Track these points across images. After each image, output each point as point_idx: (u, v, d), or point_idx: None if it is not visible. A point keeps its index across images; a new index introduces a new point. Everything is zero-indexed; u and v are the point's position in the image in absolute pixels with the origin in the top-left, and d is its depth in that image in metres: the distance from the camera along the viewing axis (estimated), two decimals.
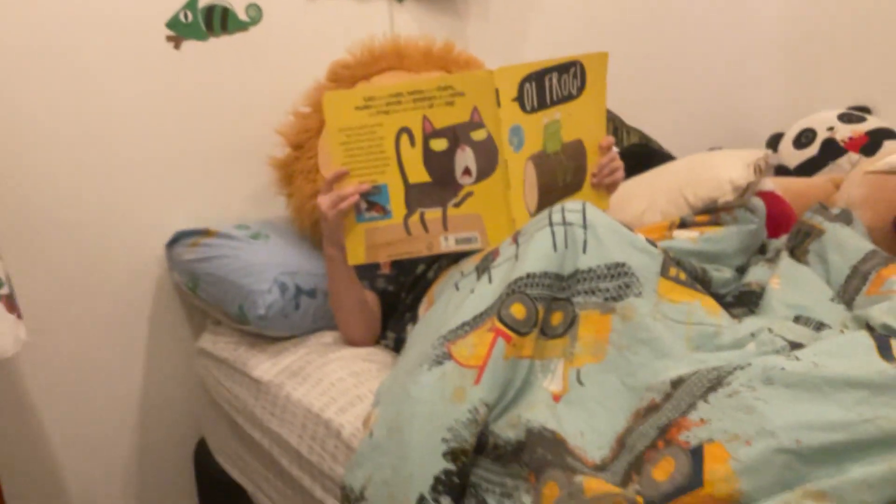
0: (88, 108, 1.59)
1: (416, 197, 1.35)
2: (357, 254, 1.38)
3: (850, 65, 2.43)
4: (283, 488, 1.43)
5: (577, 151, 1.46)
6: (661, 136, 2.25)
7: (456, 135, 1.32)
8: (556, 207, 1.22)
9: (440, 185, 1.34)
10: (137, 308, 1.71)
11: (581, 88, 1.43)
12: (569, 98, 1.42)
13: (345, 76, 1.60)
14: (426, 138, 1.33)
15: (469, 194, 1.35)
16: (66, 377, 1.64)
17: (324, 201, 1.35)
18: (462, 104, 1.31)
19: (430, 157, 1.33)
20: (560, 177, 1.43)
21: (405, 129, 1.33)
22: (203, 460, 1.76)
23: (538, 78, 1.35)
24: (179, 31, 1.68)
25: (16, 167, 1.53)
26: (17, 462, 1.59)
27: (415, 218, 1.36)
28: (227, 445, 1.64)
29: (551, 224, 1.19)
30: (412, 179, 1.34)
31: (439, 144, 1.33)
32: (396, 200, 1.36)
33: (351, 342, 1.50)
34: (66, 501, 1.68)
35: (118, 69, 1.61)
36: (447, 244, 1.38)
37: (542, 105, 1.38)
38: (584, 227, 1.19)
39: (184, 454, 1.81)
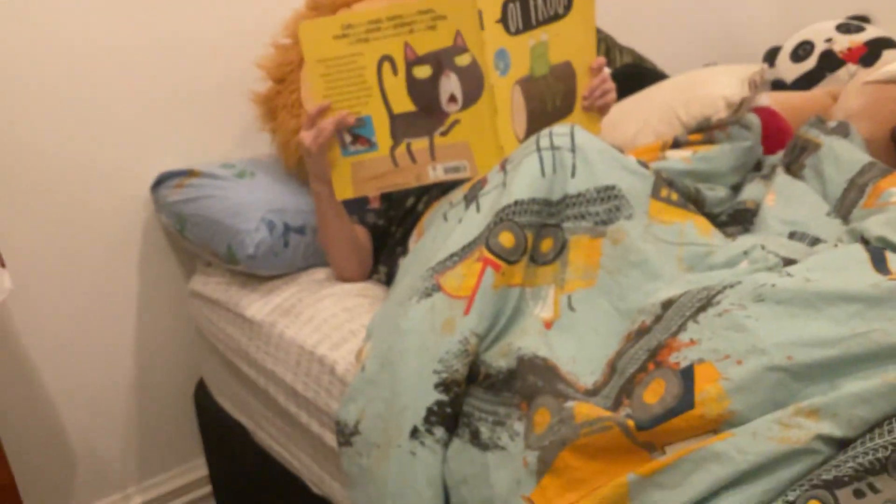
0: (62, 50, 1.54)
1: (402, 127, 1.32)
2: (344, 188, 1.36)
3: None
4: (282, 425, 1.44)
5: (566, 74, 1.41)
6: (655, 55, 2.19)
7: (440, 61, 1.28)
8: (544, 132, 1.19)
9: (425, 113, 1.31)
10: (126, 253, 1.69)
11: (568, 7, 1.37)
12: (555, 17, 1.36)
13: (325, 4, 1.54)
14: (409, 66, 1.28)
15: (455, 122, 1.32)
16: (59, 327, 1.62)
17: (306, 137, 1.31)
18: (444, 28, 1.26)
19: (413, 86, 1.29)
20: (549, 101, 1.39)
21: (387, 58, 1.28)
22: (203, 401, 1.76)
23: None
24: None
25: None
26: (16, 417, 1.59)
27: (401, 149, 1.33)
28: (226, 385, 1.64)
29: (539, 149, 1.16)
30: (396, 109, 1.31)
31: (423, 72, 1.29)
32: (381, 132, 1.32)
33: (343, 278, 1.48)
34: (69, 452, 1.69)
35: (91, 7, 1.55)
36: (435, 174, 1.35)
37: (527, 26, 1.33)
38: (573, 150, 1.16)
39: (184, 396, 1.82)
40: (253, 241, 1.46)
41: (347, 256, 1.47)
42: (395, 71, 1.29)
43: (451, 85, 1.29)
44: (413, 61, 1.28)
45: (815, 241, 1.16)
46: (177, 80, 1.67)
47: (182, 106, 1.69)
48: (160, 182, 1.63)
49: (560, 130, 1.18)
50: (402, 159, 1.33)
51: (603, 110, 1.47)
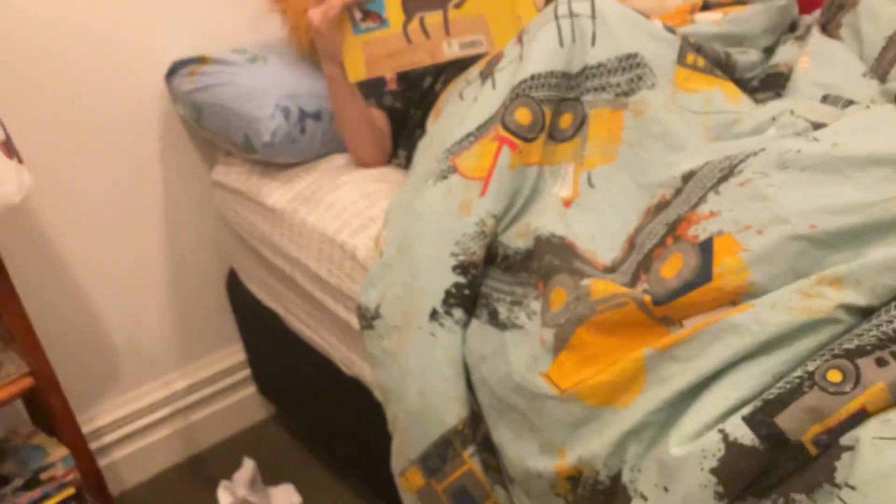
0: None
1: (414, 1, 1.25)
2: (357, 69, 1.31)
3: None
4: (310, 309, 1.46)
5: None
6: None
7: None
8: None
9: None
10: (147, 145, 1.68)
11: None
12: None
13: None
14: None
15: None
16: (87, 223, 1.64)
17: (314, 14, 1.26)
18: None
19: None
20: None
21: None
22: (235, 288, 1.80)
23: None
24: None
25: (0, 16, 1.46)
26: (52, 312, 1.63)
27: (414, 24, 1.27)
28: (255, 273, 1.66)
29: (556, 17, 1.10)
30: None
31: None
32: (393, 7, 1.26)
33: (362, 163, 1.46)
34: (107, 342, 1.74)
35: None
36: (451, 50, 1.30)
37: None
38: (593, 17, 1.10)
39: (216, 284, 1.85)
40: (269, 129, 1.44)
41: (365, 141, 1.44)
42: None
43: None
44: None
45: (848, 104, 1.10)
46: None
47: None
48: (173, 71, 1.60)
49: None
50: (416, 35, 1.28)
51: None
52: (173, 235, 1.76)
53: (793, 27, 1.45)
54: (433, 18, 1.27)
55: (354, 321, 1.29)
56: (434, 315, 1.00)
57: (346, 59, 1.30)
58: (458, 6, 1.26)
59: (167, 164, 1.71)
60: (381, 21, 1.27)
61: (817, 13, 1.41)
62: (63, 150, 1.58)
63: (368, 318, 1.09)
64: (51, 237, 1.61)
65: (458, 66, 1.41)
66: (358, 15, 1.26)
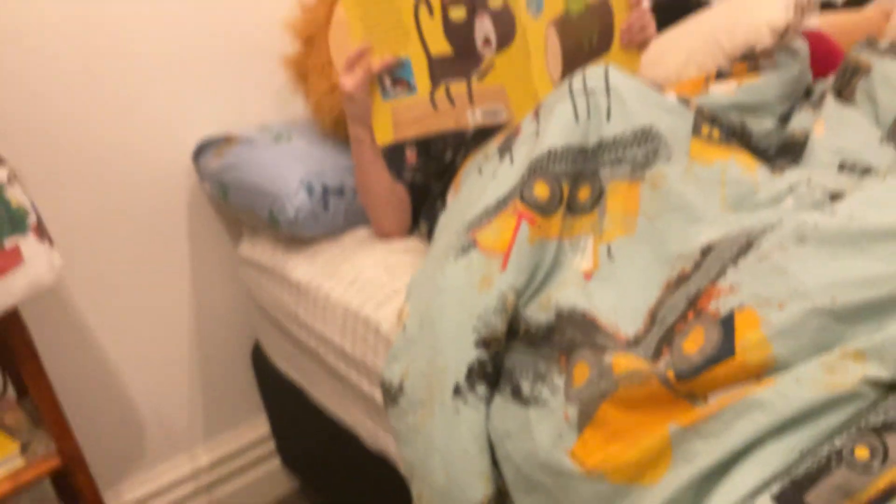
0: (96, 25, 1.55)
1: (440, 70, 1.30)
2: (385, 132, 1.34)
3: None
4: (335, 383, 1.46)
5: (603, 9, 1.36)
6: None
7: (474, 3, 1.26)
8: (577, 74, 1.15)
9: (462, 56, 1.29)
10: (174, 222, 1.72)
11: None
12: None
13: None
14: (444, 7, 1.27)
15: (491, 66, 1.30)
16: (115, 299, 1.67)
17: (347, 81, 1.29)
18: None
19: (449, 28, 1.28)
20: (586, 40, 1.35)
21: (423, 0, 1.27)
22: (260, 362, 1.81)
23: None
24: None
25: (30, 92, 1.51)
26: (80, 388, 1.65)
27: (440, 92, 1.32)
28: (280, 347, 1.67)
29: (572, 93, 1.13)
30: (434, 52, 1.29)
31: (458, 13, 1.27)
32: (420, 75, 1.31)
33: (382, 233, 1.48)
34: (134, 418, 1.75)
35: None
36: (474, 118, 1.34)
37: None
38: (608, 92, 1.12)
39: (242, 358, 1.87)
40: (293, 206, 1.47)
41: (385, 209, 1.46)
42: (431, 12, 1.27)
43: (485, 27, 1.27)
44: (448, 2, 1.26)
45: (866, 170, 1.10)
46: (209, 44, 1.67)
47: (218, 71, 1.69)
48: (200, 150, 1.65)
49: (593, 72, 1.14)
50: (442, 103, 1.32)
51: (642, 46, 1.42)
52: (199, 310, 1.79)
53: (807, 93, 1.47)
54: (458, 87, 1.31)
55: (378, 395, 1.29)
56: (457, 391, 1.00)
57: (376, 123, 1.34)
58: (480, 78, 1.30)
59: (194, 241, 1.75)
60: (410, 88, 1.31)
61: (831, 79, 1.43)
62: (91, 227, 1.62)
63: (392, 394, 1.09)
64: (78, 314, 1.64)
65: (477, 141, 1.44)
66: (388, 81, 1.31)
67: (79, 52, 1.54)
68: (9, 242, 1.15)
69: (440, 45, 1.28)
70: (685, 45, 1.60)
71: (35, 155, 1.52)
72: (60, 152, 1.55)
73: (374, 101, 1.31)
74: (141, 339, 1.72)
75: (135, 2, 1.58)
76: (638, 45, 1.41)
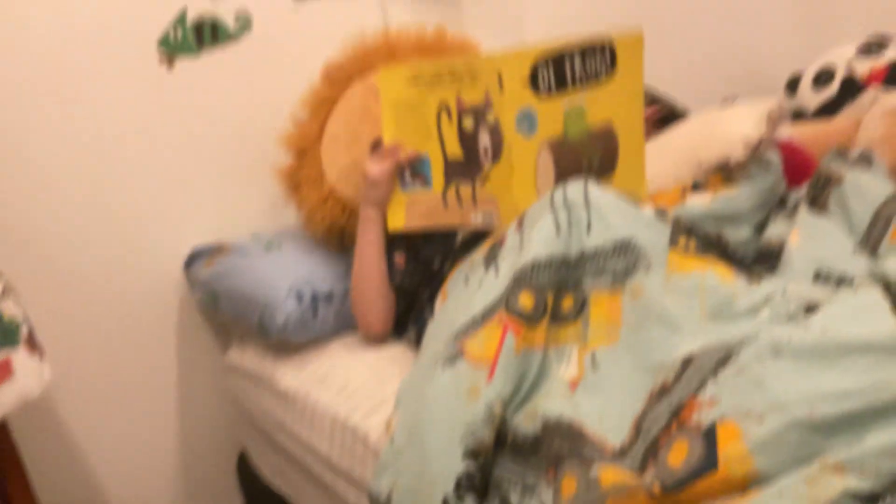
0: (91, 139, 1.61)
1: (452, 171, 1.40)
2: (398, 219, 1.44)
3: None
4: (322, 495, 1.44)
5: (605, 135, 1.41)
6: (676, 87, 2.18)
7: (478, 115, 1.34)
8: (558, 189, 1.20)
9: (471, 162, 1.37)
10: (164, 330, 1.73)
11: (611, 70, 1.38)
12: (596, 77, 1.36)
13: (339, 77, 1.59)
14: (459, 116, 1.36)
15: (488, 175, 1.37)
16: (101, 406, 1.67)
17: (374, 168, 1.40)
18: (479, 85, 1.33)
19: (462, 135, 1.37)
20: (586, 162, 1.39)
21: (444, 106, 1.37)
22: (246, 472, 1.78)
23: (556, 61, 1.32)
24: (170, 49, 1.67)
25: (24, 204, 1.55)
26: (63, 495, 1.63)
27: (451, 191, 1.40)
28: (266, 456, 1.66)
29: (553, 206, 1.17)
30: (450, 154, 1.39)
31: (468, 123, 1.36)
32: (437, 173, 1.40)
33: (369, 329, 1.49)
34: None
35: (113, 93, 1.61)
36: (476, 220, 1.41)
37: (561, 87, 1.34)
38: (587, 206, 1.16)
39: (227, 467, 1.84)
40: (283, 312, 1.49)
41: (377, 301, 1.48)
42: (450, 118, 1.37)
43: (485, 139, 1.34)
44: (463, 112, 1.36)
45: (841, 279, 1.14)
46: (202, 157, 1.73)
47: (210, 182, 1.74)
48: (192, 259, 1.67)
49: (573, 186, 1.19)
50: (451, 201, 1.40)
51: None
52: (185, 417, 1.78)
53: (782, 202, 1.52)
54: (465, 190, 1.39)
55: None
56: (446, 503, 0.99)
57: (390, 210, 1.44)
58: (482, 184, 1.38)
59: (182, 348, 1.76)
60: (426, 183, 1.41)
61: (805, 188, 1.48)
62: (82, 335, 1.63)
63: None
64: (63, 422, 1.63)
65: (464, 249, 1.47)
66: (408, 174, 1.41)
67: (73, 168, 1.60)
68: (0, 355, 1.16)
69: (454, 149, 1.38)
70: (663, 157, 1.66)
71: (29, 266, 1.55)
72: (54, 263, 1.58)
73: (394, 194, 1.42)
74: (126, 448, 1.70)
75: (128, 118, 1.64)
76: None
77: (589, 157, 1.39)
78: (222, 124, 1.74)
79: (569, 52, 1.33)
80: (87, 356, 1.64)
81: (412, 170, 1.41)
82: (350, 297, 1.51)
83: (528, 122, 1.33)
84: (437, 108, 1.37)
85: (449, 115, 1.37)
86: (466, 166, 1.37)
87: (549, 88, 1.33)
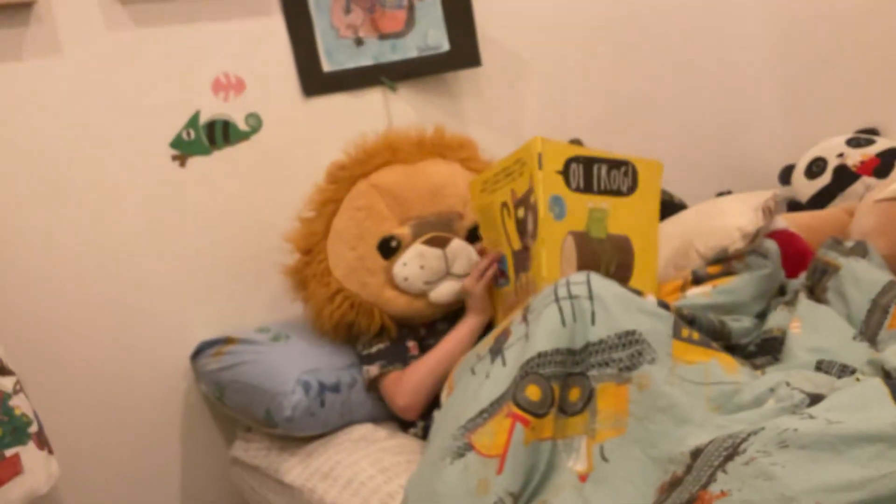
0: (101, 234, 1.64)
1: (517, 262, 1.47)
2: (497, 318, 1.51)
3: (852, 88, 2.42)
4: None
5: (623, 246, 1.49)
6: (670, 184, 2.24)
7: (526, 202, 1.41)
8: (562, 281, 1.23)
9: (526, 250, 1.43)
10: (168, 424, 1.73)
11: (632, 189, 1.50)
12: (618, 193, 1.48)
13: (343, 177, 1.63)
14: (514, 208, 1.44)
15: (531, 255, 1.43)
16: (106, 500, 1.65)
17: (475, 285, 1.51)
18: (525, 174, 1.41)
19: (518, 225, 1.44)
20: (603, 265, 1.45)
21: (504, 203, 1.47)
22: None
23: (586, 163, 1.44)
24: (183, 149, 1.73)
25: (35, 299, 1.57)
26: None
27: (521, 281, 1.46)
28: None
29: (557, 299, 1.19)
30: (514, 247, 1.46)
31: (521, 212, 1.43)
32: (510, 267, 1.48)
33: (408, 407, 1.51)
34: None
35: (127, 192, 1.66)
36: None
37: (588, 189, 1.44)
38: (591, 298, 1.19)
39: None
40: (290, 404, 1.49)
41: (430, 392, 1.49)
42: (509, 214, 1.46)
43: (531, 222, 1.41)
44: (515, 204, 1.44)
45: (843, 368, 1.16)
46: (212, 253, 1.76)
47: (218, 276, 1.77)
48: (199, 351, 1.69)
49: (576, 279, 1.22)
50: (520, 293, 1.46)
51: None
52: None
53: (782, 290, 1.55)
54: (524, 277, 1.45)
55: None
56: None
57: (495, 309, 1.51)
58: (526, 273, 1.44)
59: (186, 441, 1.75)
60: (506, 278, 1.50)
61: (803, 277, 1.51)
62: (86, 434, 1.62)
63: None
64: None
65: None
66: (498, 272, 1.49)
67: (83, 262, 1.62)
68: (10, 452, 1.16)
69: (515, 241, 1.46)
70: (662, 248, 1.70)
71: (36, 361, 1.56)
72: (61, 358, 1.60)
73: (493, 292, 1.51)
74: None
75: (139, 213, 1.68)
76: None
77: (607, 260, 1.46)
78: (232, 220, 1.78)
79: (598, 159, 1.45)
80: (93, 450, 1.63)
81: (499, 269, 1.50)
82: (422, 377, 1.51)
83: (558, 207, 1.40)
84: (500, 206, 1.47)
85: (508, 210, 1.46)
86: (524, 254, 1.44)
87: (578, 185, 1.42)
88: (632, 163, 1.49)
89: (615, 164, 1.47)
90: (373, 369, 1.54)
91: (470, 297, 1.53)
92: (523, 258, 1.44)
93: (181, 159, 1.73)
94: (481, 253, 1.57)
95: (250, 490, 1.61)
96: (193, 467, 1.75)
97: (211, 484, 1.77)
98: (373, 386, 1.56)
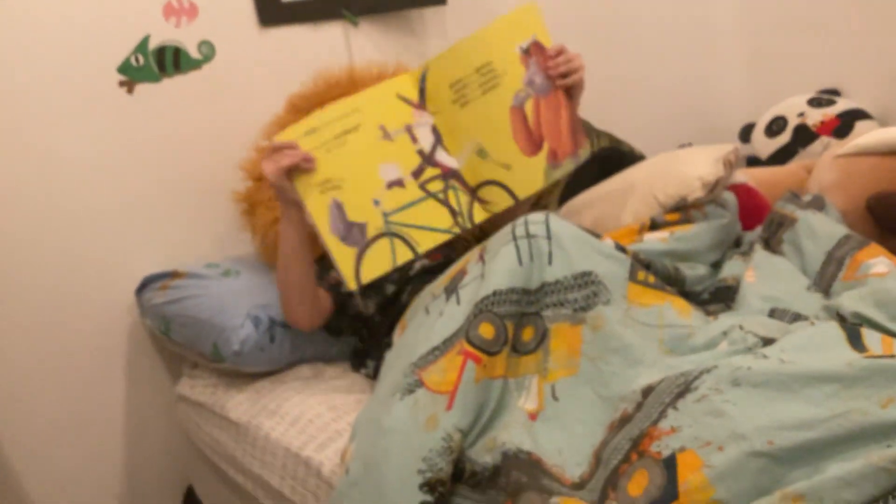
0: (45, 160, 1.56)
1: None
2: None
3: (815, 48, 2.41)
4: None
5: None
6: (632, 137, 2.23)
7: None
8: (519, 220, 1.20)
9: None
10: (112, 359, 1.68)
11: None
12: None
13: (303, 107, 1.59)
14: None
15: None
16: (46, 438, 1.60)
17: (267, 167, 1.29)
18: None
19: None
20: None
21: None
22: None
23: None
24: (131, 75, 1.65)
25: None
26: None
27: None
28: (215, 491, 1.61)
29: (515, 238, 1.17)
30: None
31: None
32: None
33: (293, 321, 1.44)
34: None
35: (72, 118, 1.58)
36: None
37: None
38: (549, 237, 1.17)
39: (173, 502, 1.78)
40: (238, 338, 1.46)
41: (301, 300, 1.41)
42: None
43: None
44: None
45: (795, 317, 1.15)
46: (159, 184, 1.69)
47: (166, 209, 1.71)
48: (144, 285, 1.63)
49: (535, 218, 1.19)
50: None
51: (573, 91, 1.42)
52: (131, 451, 1.72)
53: (737, 243, 1.55)
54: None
55: None
56: None
57: (340, 269, 1.32)
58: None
59: (130, 378, 1.70)
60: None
61: (759, 230, 1.51)
62: (26, 362, 1.57)
63: None
64: (2, 447, 1.56)
65: (421, 278, 1.47)
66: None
67: (23, 187, 1.55)
68: None
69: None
70: (621, 195, 1.69)
71: None
72: (1, 286, 1.53)
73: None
74: (69, 480, 1.63)
75: (84, 140, 1.60)
76: (567, 89, 1.41)
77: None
78: (180, 151, 1.71)
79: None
80: (33, 385, 1.57)
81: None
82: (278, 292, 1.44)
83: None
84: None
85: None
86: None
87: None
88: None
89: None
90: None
91: (277, 189, 1.33)
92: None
93: (129, 86, 1.66)
94: None
95: (195, 427, 1.58)
96: (137, 405, 1.71)
97: (155, 421, 1.73)
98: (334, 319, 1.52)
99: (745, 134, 2.38)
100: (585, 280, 1.13)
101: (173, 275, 1.60)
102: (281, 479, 1.30)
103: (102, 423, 1.68)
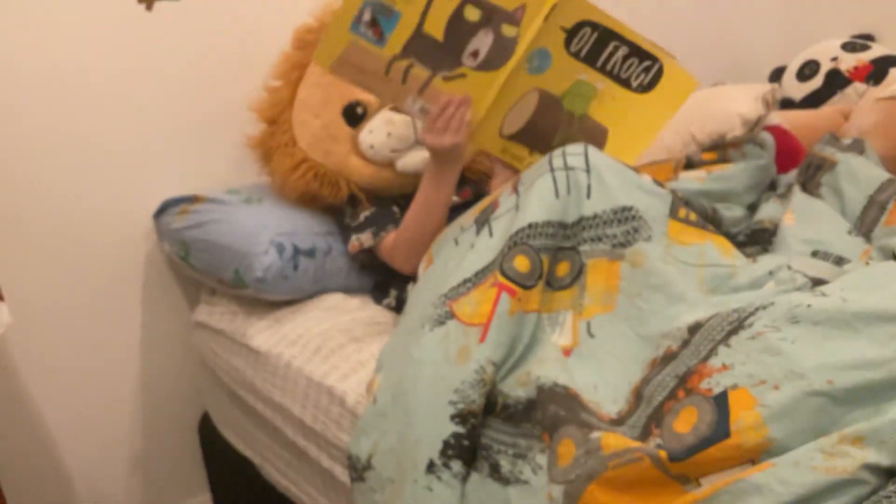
0: (61, 81, 1.51)
1: (418, 47, 1.24)
2: (326, 58, 1.24)
3: None
4: (290, 458, 1.39)
5: (593, 136, 1.34)
6: None
7: (491, 16, 1.23)
8: (557, 151, 1.16)
9: (446, 51, 1.25)
10: (129, 283, 1.65)
11: (645, 89, 1.31)
12: (624, 84, 1.30)
13: (310, 41, 1.52)
14: (464, 2, 1.22)
15: (462, 76, 1.27)
16: (60, 361, 1.59)
17: (441, 139, 1.26)
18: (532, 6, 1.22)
19: (456, 20, 1.23)
20: (557, 139, 1.34)
21: None
22: (208, 435, 1.72)
23: (603, 35, 1.25)
24: None
25: None
26: (15, 452, 1.55)
27: (401, 64, 1.25)
28: (231, 418, 1.60)
29: (552, 169, 1.13)
30: (427, 27, 1.23)
31: (472, 14, 1.23)
32: (398, 36, 1.23)
33: (405, 265, 1.40)
34: (70, 488, 1.64)
35: (88, 35, 1.52)
36: (411, 107, 1.29)
37: (588, 61, 1.28)
38: (588, 170, 1.13)
39: (188, 429, 1.77)
40: (262, 264, 1.43)
41: (424, 248, 1.34)
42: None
43: (483, 42, 1.24)
44: (470, 1, 1.22)
45: (838, 260, 1.12)
46: (178, 107, 1.64)
47: (184, 133, 1.66)
48: (163, 209, 1.60)
49: (573, 150, 1.15)
50: (395, 73, 1.26)
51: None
52: (148, 377, 1.71)
53: (772, 186, 1.51)
54: (419, 72, 1.26)
55: (339, 471, 1.23)
56: (431, 467, 0.95)
57: (324, 42, 1.24)
58: (445, 79, 1.27)
59: (147, 304, 1.68)
60: (380, 39, 1.23)
61: (795, 172, 1.46)
62: (43, 284, 1.55)
63: (359, 470, 1.04)
64: (18, 372, 1.55)
65: (451, 214, 1.43)
66: (367, 16, 1.22)
67: (39, 107, 1.50)
68: None
69: (436, 28, 1.23)
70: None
71: None
72: (19, 206, 1.49)
73: (338, 26, 1.21)
74: (82, 402, 1.62)
75: (100, 57, 1.54)
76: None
77: (564, 137, 1.33)
78: (199, 73, 1.65)
79: (621, 39, 1.26)
80: (50, 309, 1.55)
81: (373, 16, 1.21)
82: (401, 238, 1.41)
83: (539, 60, 1.27)
84: None
85: None
86: (438, 52, 1.24)
87: (578, 52, 1.27)
88: (662, 64, 1.30)
89: (640, 55, 1.28)
90: (365, 238, 1.46)
91: (436, 155, 1.30)
92: (434, 55, 1.25)
93: (147, 2, 1.59)
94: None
95: (213, 354, 1.56)
96: (154, 329, 1.69)
97: (171, 346, 1.72)
98: (362, 255, 1.48)
99: (776, 77, 2.31)
100: (625, 215, 1.09)
101: (194, 199, 1.56)
102: (302, 408, 1.29)
103: (117, 347, 1.66)
